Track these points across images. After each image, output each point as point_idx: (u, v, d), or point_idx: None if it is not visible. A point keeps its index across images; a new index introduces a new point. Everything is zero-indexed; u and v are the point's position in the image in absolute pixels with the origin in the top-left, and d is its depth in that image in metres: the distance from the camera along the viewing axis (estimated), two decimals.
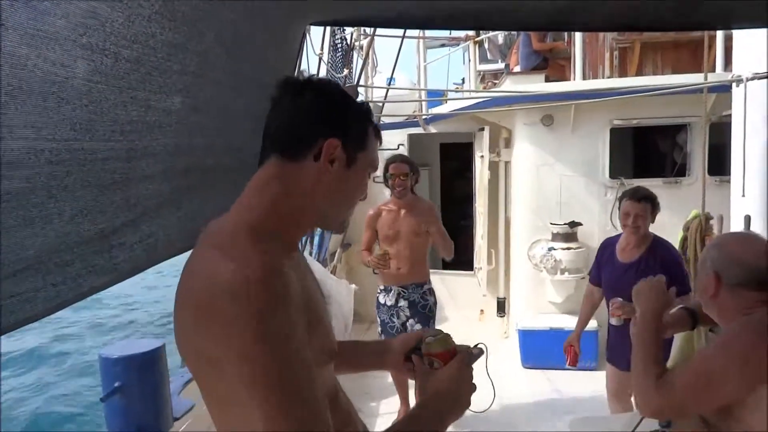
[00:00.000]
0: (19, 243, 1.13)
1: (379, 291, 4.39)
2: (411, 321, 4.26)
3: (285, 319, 0.93)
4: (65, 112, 1.12)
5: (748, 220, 4.06)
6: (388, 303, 4.31)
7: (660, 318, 1.81)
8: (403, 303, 4.27)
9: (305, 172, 1.10)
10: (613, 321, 3.34)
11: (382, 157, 7.54)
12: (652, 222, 3.42)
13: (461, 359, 1.24)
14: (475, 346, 1.33)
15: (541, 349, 5.50)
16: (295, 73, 3.33)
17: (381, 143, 1.23)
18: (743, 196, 4.13)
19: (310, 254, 5.64)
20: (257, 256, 0.97)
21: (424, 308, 4.28)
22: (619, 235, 3.52)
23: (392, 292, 4.29)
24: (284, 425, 0.90)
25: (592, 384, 5.09)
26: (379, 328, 4.44)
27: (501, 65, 8.67)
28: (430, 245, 4.34)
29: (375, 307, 4.43)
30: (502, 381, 5.09)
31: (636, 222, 3.30)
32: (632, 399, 3.34)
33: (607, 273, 3.51)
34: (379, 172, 4.23)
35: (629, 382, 3.37)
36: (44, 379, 11.02)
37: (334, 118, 1.11)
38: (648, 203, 3.34)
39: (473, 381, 1.24)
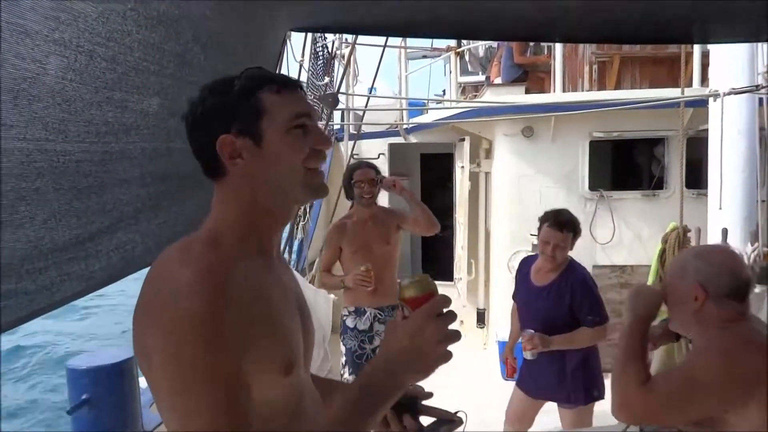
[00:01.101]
0: None
1: (345, 313, 3.75)
2: None
3: (216, 323, 0.91)
4: (37, 110, 1.07)
5: (725, 233, 4.11)
6: (360, 327, 3.69)
7: (648, 325, 1.79)
8: (379, 327, 3.68)
9: (234, 181, 1.07)
10: (527, 355, 3.08)
11: None
12: (571, 249, 3.20)
13: (427, 310, 0.99)
14: (455, 413, 1.20)
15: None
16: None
17: (283, 89, 1.09)
18: (720, 209, 4.18)
19: (289, 263, 5.58)
20: (200, 260, 0.96)
21: None
22: (536, 256, 3.32)
23: (366, 314, 3.69)
24: (190, 426, 0.90)
25: None
26: (344, 359, 3.75)
27: (481, 77, 8.72)
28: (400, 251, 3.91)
29: (340, 334, 3.82)
30: (480, 392, 5.07)
31: (554, 252, 3.09)
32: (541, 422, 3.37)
33: (521, 294, 3.37)
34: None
35: (535, 410, 3.36)
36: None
37: (211, 117, 1.05)
38: (570, 232, 3.10)
39: (445, 341, 0.98)
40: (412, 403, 1.24)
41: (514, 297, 3.51)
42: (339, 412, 0.97)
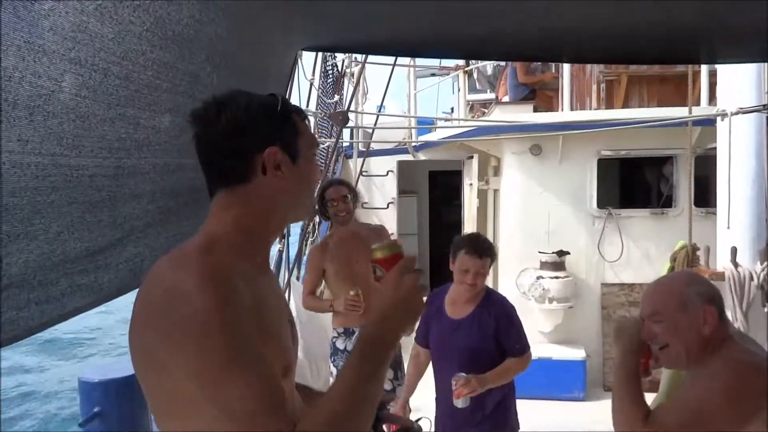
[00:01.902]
0: (2, 259, 1.10)
1: (335, 335, 3.68)
2: None
3: (230, 313, 0.96)
4: (52, 126, 1.11)
5: (734, 251, 4.09)
6: (350, 348, 3.43)
7: (638, 357, 1.78)
8: None
9: (261, 189, 1.11)
10: (459, 403, 2.63)
11: (371, 183, 7.58)
12: (487, 274, 2.91)
13: (402, 267, 1.09)
14: (416, 421, 1.24)
15: (528, 379, 5.39)
16: (287, 98, 3.35)
17: (306, 120, 1.21)
18: (729, 227, 4.16)
19: (297, 279, 5.59)
20: (200, 263, 1.00)
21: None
22: (447, 287, 2.96)
23: (355, 335, 3.61)
24: (238, 412, 0.93)
25: (579, 414, 5.05)
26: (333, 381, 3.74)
27: (490, 95, 8.77)
28: None
29: (329, 356, 3.73)
30: None
31: (475, 280, 2.76)
32: None
33: (436, 331, 2.92)
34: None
35: None
36: None
37: (260, 128, 1.11)
38: (488, 258, 2.80)
39: (421, 291, 1.09)
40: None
41: (417, 338, 3.05)
42: (347, 378, 1.01)
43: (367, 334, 1.05)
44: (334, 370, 3.68)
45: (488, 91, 9.01)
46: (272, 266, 4.97)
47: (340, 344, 3.65)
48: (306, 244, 5.94)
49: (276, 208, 1.14)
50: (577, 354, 5.44)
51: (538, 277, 5.68)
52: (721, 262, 4.23)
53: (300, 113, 1.19)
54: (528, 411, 5.24)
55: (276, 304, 1.16)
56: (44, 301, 1.22)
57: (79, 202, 1.26)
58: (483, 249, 2.79)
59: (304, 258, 5.98)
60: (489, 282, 6.72)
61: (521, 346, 2.84)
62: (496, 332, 2.79)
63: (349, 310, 3.42)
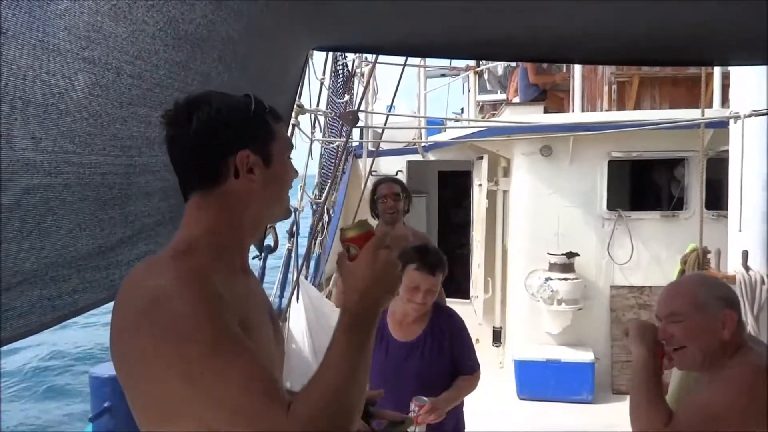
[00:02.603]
0: (16, 255, 1.12)
1: None
2: None
3: (210, 310, 0.97)
4: (65, 124, 1.12)
5: (745, 255, 4.06)
6: None
7: (655, 357, 1.76)
8: None
9: (233, 193, 1.11)
10: (418, 429, 2.29)
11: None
12: (437, 292, 2.60)
13: (377, 242, 1.08)
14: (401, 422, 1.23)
15: (536, 381, 5.43)
16: (297, 97, 3.36)
17: (279, 120, 1.19)
18: (740, 230, 4.13)
19: (306, 278, 5.61)
20: (176, 266, 1.01)
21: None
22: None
23: None
24: (228, 400, 0.94)
25: (587, 417, 5.03)
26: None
27: (500, 96, 8.75)
28: None
29: None
30: (496, 412, 5.05)
31: (426, 299, 2.47)
32: None
33: (382, 357, 2.52)
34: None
35: None
36: None
37: (232, 130, 1.10)
38: (441, 274, 2.50)
39: (397, 265, 1.09)
40: (364, 407, 1.27)
41: None
42: (337, 352, 1.01)
43: (351, 308, 1.04)
44: None
45: (498, 91, 8.99)
46: (281, 264, 4.98)
47: None
48: (315, 243, 5.95)
49: (249, 210, 1.13)
50: (585, 356, 5.42)
51: (547, 279, 5.67)
52: (732, 266, 4.20)
53: (274, 115, 1.18)
54: (535, 413, 5.26)
55: (255, 303, 1.17)
56: (56, 297, 1.23)
57: (91, 199, 1.28)
58: (434, 262, 2.48)
59: (313, 257, 6.00)
60: (498, 282, 6.75)
61: (472, 363, 2.60)
62: (451, 351, 2.56)
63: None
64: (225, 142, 1.09)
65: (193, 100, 1.11)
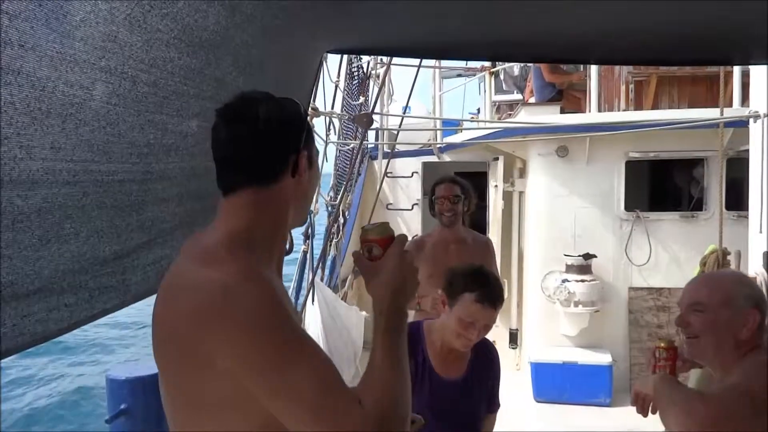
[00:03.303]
0: (35, 263, 1.14)
1: None
2: None
3: (281, 307, 1.00)
4: (83, 134, 1.14)
5: (766, 256, 4.00)
6: None
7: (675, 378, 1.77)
8: None
9: (284, 190, 1.12)
10: None
11: (396, 184, 7.58)
12: None
13: (398, 244, 1.13)
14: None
15: (553, 383, 5.40)
16: (312, 100, 3.38)
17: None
18: (761, 232, 4.07)
19: (321, 279, 5.63)
20: (238, 262, 1.02)
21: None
22: (417, 327, 2.23)
23: None
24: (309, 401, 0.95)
25: (604, 420, 4.98)
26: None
27: (516, 96, 8.71)
28: None
29: None
30: (513, 414, 5.02)
31: (481, 335, 2.11)
32: None
33: (426, 396, 2.13)
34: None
35: None
36: None
37: (294, 132, 1.14)
38: (501, 306, 2.12)
39: (416, 268, 1.16)
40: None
41: None
42: (385, 349, 1.05)
43: (388, 308, 1.08)
44: None
45: (515, 92, 8.94)
46: (296, 267, 5.01)
47: None
48: (330, 245, 5.98)
49: (292, 209, 1.15)
50: (603, 359, 5.37)
51: (564, 281, 5.63)
52: (753, 268, 4.13)
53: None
54: (552, 416, 5.22)
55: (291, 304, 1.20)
56: (73, 303, 1.25)
57: (109, 206, 1.30)
58: (498, 296, 2.11)
59: (329, 258, 6.02)
60: (515, 284, 6.72)
61: (498, 401, 2.37)
62: (491, 388, 2.33)
63: (437, 308, 3.02)
64: (291, 139, 1.12)
65: (250, 97, 1.13)
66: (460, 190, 3.29)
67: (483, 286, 2.07)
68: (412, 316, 3.50)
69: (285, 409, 0.96)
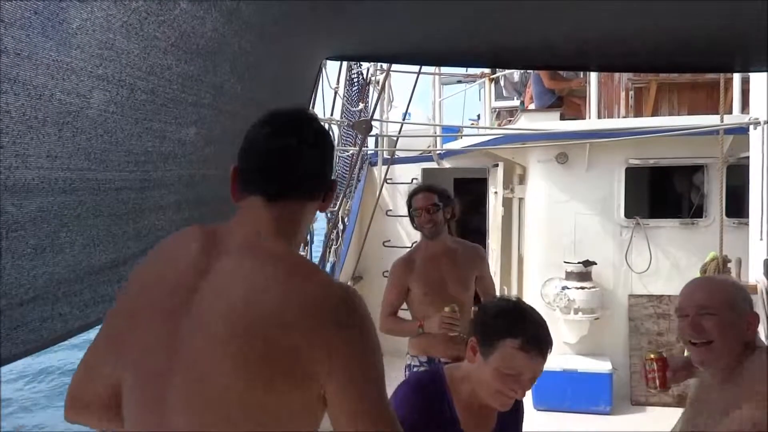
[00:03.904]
0: (29, 272, 1.13)
1: (416, 364, 3.02)
2: None
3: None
4: (80, 142, 1.13)
5: (767, 264, 3.99)
6: None
7: None
8: None
9: (312, 210, 1.19)
10: None
11: (396, 190, 7.59)
12: None
13: None
14: None
15: (553, 391, 5.37)
16: (311, 107, 3.37)
17: None
18: (761, 239, 4.06)
19: None
20: (326, 275, 1.12)
21: None
22: (438, 375, 1.79)
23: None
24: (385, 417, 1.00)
25: (605, 428, 4.96)
26: None
27: (516, 102, 8.71)
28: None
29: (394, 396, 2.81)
30: None
31: (525, 391, 1.66)
32: None
33: None
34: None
35: None
36: None
37: (332, 163, 1.24)
38: (550, 349, 1.65)
39: None
40: None
41: None
42: None
43: None
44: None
45: (515, 98, 8.95)
46: None
47: None
48: (329, 251, 5.96)
49: (307, 230, 1.24)
50: (603, 366, 5.35)
51: (564, 288, 5.62)
52: (753, 275, 4.12)
53: None
54: (552, 424, 5.19)
55: None
56: (68, 313, 1.24)
57: (105, 215, 1.29)
58: (547, 340, 1.65)
59: (328, 265, 6.00)
60: (514, 290, 6.70)
61: None
62: None
63: (445, 328, 2.82)
64: (331, 168, 1.23)
65: (315, 125, 1.19)
66: (437, 198, 3.07)
67: (527, 330, 1.63)
68: (412, 341, 3.17)
69: (357, 415, 0.98)
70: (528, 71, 7.85)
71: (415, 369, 2.96)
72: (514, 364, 1.60)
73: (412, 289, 3.06)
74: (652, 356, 1.92)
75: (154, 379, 0.99)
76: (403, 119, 6.70)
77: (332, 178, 1.20)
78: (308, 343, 0.96)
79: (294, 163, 1.11)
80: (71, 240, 1.19)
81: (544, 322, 1.70)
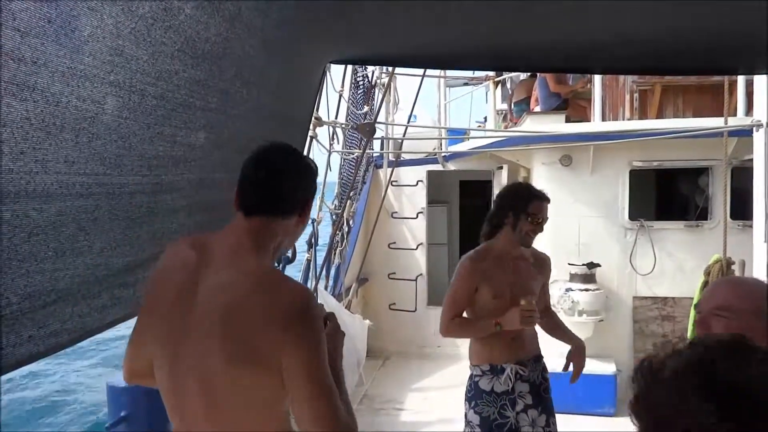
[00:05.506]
0: (51, 275, 1.16)
1: (478, 373, 2.91)
2: (532, 412, 2.92)
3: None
4: (96, 147, 1.16)
5: None
6: (499, 389, 2.86)
7: None
8: (522, 387, 2.90)
9: (290, 225, 1.40)
10: None
11: (401, 192, 7.61)
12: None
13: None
14: None
15: (557, 393, 5.36)
16: (315, 110, 3.40)
17: None
18: (765, 241, 4.06)
19: (326, 288, 5.64)
20: (294, 282, 1.37)
21: (546, 391, 3.04)
22: None
23: (505, 372, 2.87)
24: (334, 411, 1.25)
25: (609, 430, 4.97)
26: (478, 430, 2.84)
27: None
28: None
29: (465, 401, 2.93)
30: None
31: None
32: None
33: None
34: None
35: None
36: None
37: (313, 181, 1.44)
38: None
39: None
40: None
41: None
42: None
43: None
44: (476, 418, 2.86)
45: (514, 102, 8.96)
46: (300, 275, 5.02)
47: (485, 385, 2.88)
48: (334, 254, 5.99)
49: (284, 245, 1.40)
50: (607, 368, 5.36)
51: (568, 290, 5.63)
52: (757, 277, 4.13)
53: None
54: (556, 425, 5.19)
55: None
56: (86, 314, 1.28)
57: (121, 218, 1.32)
58: None
59: (333, 267, 6.03)
60: None
61: None
62: None
63: (525, 322, 2.81)
64: (309, 187, 1.43)
65: (294, 149, 1.44)
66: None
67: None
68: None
69: (310, 401, 1.23)
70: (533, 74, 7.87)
71: (477, 378, 2.92)
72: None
73: (480, 289, 2.97)
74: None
75: (170, 358, 1.32)
76: (409, 122, 6.72)
77: (308, 197, 1.42)
78: (269, 340, 1.23)
79: (269, 186, 1.36)
80: (89, 243, 1.22)
81: None
